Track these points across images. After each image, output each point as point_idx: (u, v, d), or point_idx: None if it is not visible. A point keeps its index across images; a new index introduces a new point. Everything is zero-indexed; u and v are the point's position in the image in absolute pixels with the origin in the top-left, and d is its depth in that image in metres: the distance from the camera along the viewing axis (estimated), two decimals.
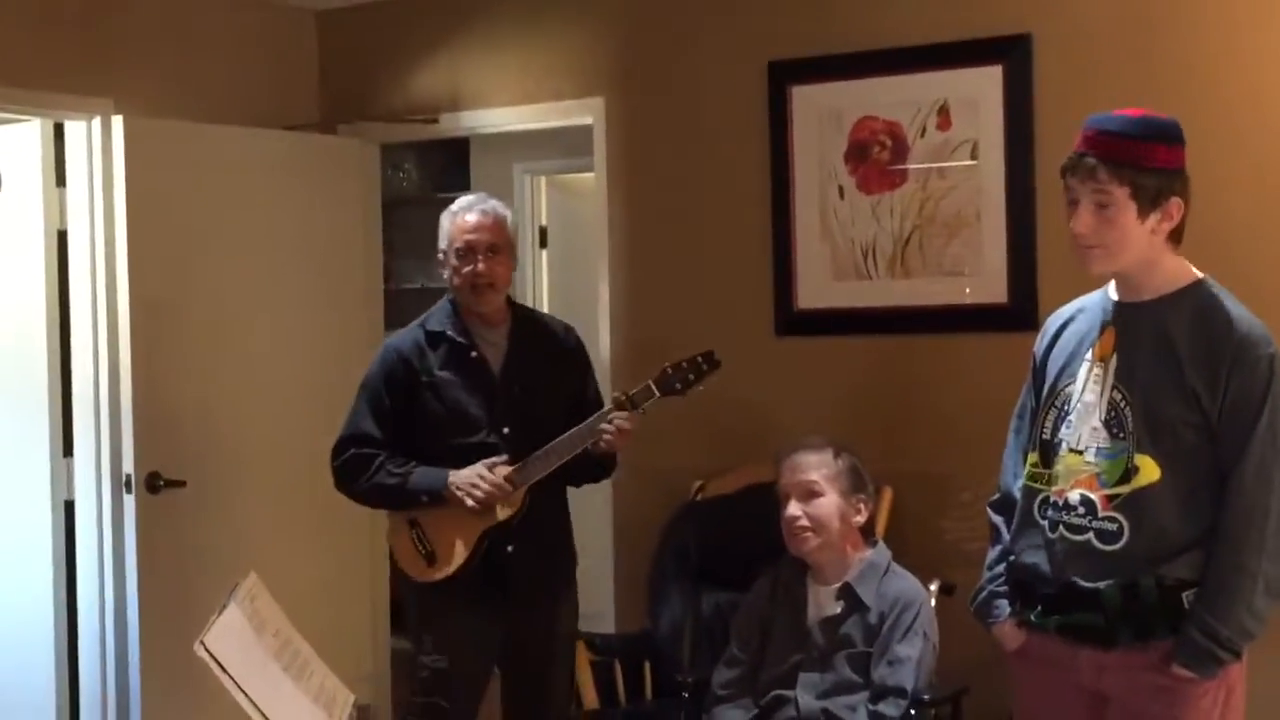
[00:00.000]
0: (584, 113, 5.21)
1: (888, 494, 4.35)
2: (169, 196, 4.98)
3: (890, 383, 4.65)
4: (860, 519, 3.80)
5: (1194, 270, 2.94)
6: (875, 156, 4.66)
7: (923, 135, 4.57)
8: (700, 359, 3.80)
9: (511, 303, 4.04)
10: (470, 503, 3.75)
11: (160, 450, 4.90)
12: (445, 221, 3.96)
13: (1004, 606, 3.07)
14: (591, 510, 5.58)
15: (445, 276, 3.96)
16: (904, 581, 3.77)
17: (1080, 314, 3.06)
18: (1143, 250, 2.89)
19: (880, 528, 4.21)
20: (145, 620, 4.88)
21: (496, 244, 3.89)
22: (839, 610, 3.74)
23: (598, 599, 5.31)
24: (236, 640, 2.32)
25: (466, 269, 3.87)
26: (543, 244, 6.96)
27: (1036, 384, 3.12)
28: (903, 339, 4.64)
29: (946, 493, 4.49)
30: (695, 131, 4.97)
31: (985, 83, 4.46)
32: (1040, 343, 3.14)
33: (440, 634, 3.93)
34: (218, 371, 5.06)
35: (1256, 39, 4.13)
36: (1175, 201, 2.88)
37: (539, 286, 6.94)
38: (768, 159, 4.81)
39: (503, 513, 3.81)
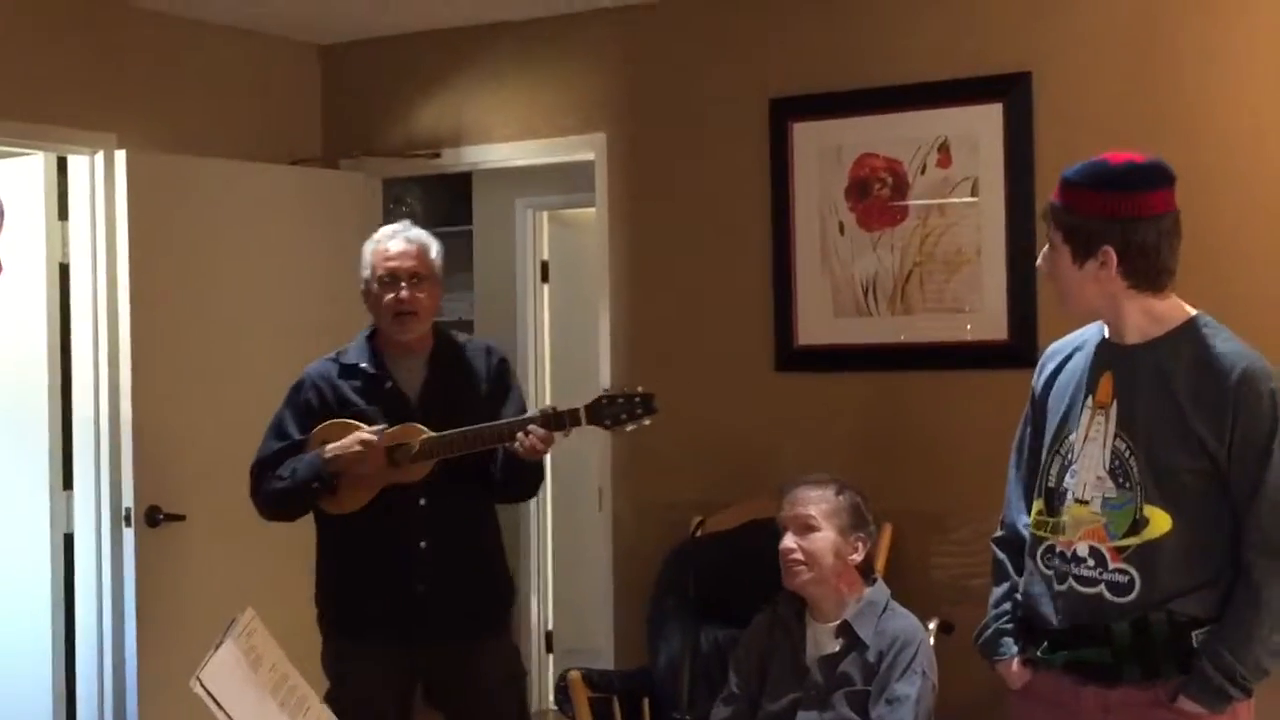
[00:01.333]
0: (586, 148, 5.23)
1: (887, 530, 4.35)
2: (171, 231, 5.00)
3: (891, 419, 4.65)
4: (857, 557, 3.79)
5: (1186, 308, 2.92)
6: (876, 193, 4.67)
7: (923, 172, 4.59)
8: (639, 400, 3.70)
9: (438, 331, 3.95)
10: (357, 447, 3.67)
11: (160, 484, 4.90)
12: (367, 250, 3.89)
13: (1010, 644, 3.04)
14: (591, 545, 5.58)
15: (368, 306, 3.90)
16: (903, 620, 3.76)
17: (1078, 351, 3.03)
18: (1093, 296, 2.89)
19: (880, 564, 4.20)
20: (143, 654, 4.86)
21: (419, 272, 3.82)
22: (837, 648, 3.73)
23: (596, 634, 5.30)
24: (233, 676, 2.31)
25: (389, 297, 3.80)
26: (544, 278, 6.97)
27: (1036, 421, 3.10)
28: (903, 375, 4.65)
29: (946, 529, 4.49)
30: (697, 167, 4.99)
31: (985, 121, 4.48)
32: (1038, 378, 3.12)
33: (341, 687, 3.79)
34: (219, 405, 5.06)
35: (1256, 76, 4.15)
36: (1105, 249, 2.84)
37: (540, 321, 6.94)
38: (768, 195, 4.83)
39: (410, 474, 3.72)
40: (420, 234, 3.91)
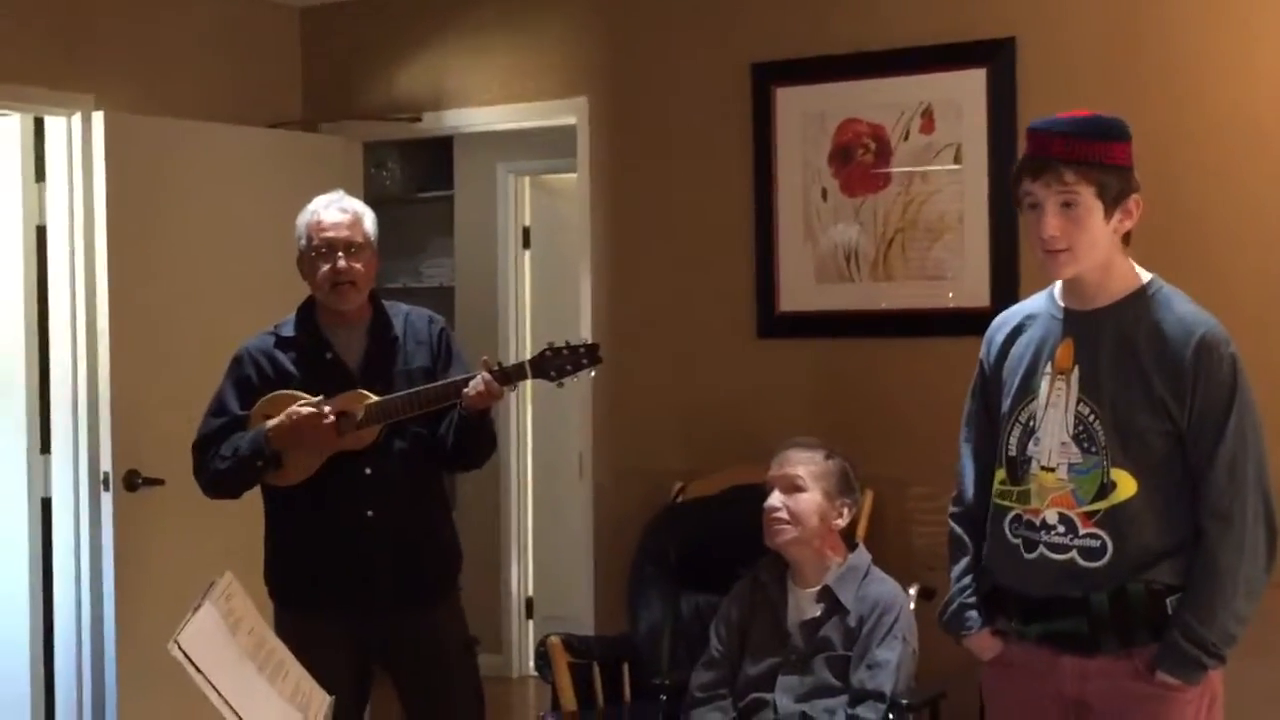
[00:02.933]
0: (568, 112, 5.20)
1: (868, 497, 4.35)
2: (149, 193, 4.96)
3: (872, 386, 4.65)
4: (841, 522, 3.80)
5: (1141, 271, 2.92)
6: (859, 159, 4.66)
7: (906, 138, 4.57)
8: (583, 350, 3.71)
9: (375, 300, 3.92)
10: (302, 421, 3.63)
11: (138, 448, 4.88)
12: (302, 221, 3.84)
13: (975, 617, 3.04)
14: (572, 511, 5.58)
15: (305, 278, 3.85)
16: (884, 585, 3.77)
17: (1030, 320, 3.02)
18: (1104, 252, 2.86)
19: (860, 531, 4.20)
20: (122, 618, 4.85)
21: (355, 241, 3.78)
22: (818, 613, 3.73)
23: (576, 600, 5.30)
24: (211, 640, 2.29)
25: (325, 267, 3.76)
26: (525, 244, 6.95)
27: (989, 394, 3.08)
28: (885, 342, 4.64)
29: (926, 497, 4.49)
30: (679, 132, 4.96)
31: (969, 86, 4.46)
32: (988, 350, 3.10)
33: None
34: (197, 369, 5.00)
35: (1238, 44, 4.14)
36: (1135, 199, 2.85)
37: (521, 286, 6.92)
38: (751, 160, 4.81)
39: (357, 441, 3.70)
40: (354, 203, 3.88)
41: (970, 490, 3.11)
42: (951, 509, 3.16)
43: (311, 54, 5.73)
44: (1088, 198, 2.81)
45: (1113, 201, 2.82)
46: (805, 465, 3.80)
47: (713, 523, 4.57)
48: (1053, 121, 2.87)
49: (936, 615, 3.16)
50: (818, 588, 3.76)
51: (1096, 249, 2.85)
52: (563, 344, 3.72)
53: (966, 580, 3.08)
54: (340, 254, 3.76)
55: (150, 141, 4.96)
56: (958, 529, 3.12)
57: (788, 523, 3.75)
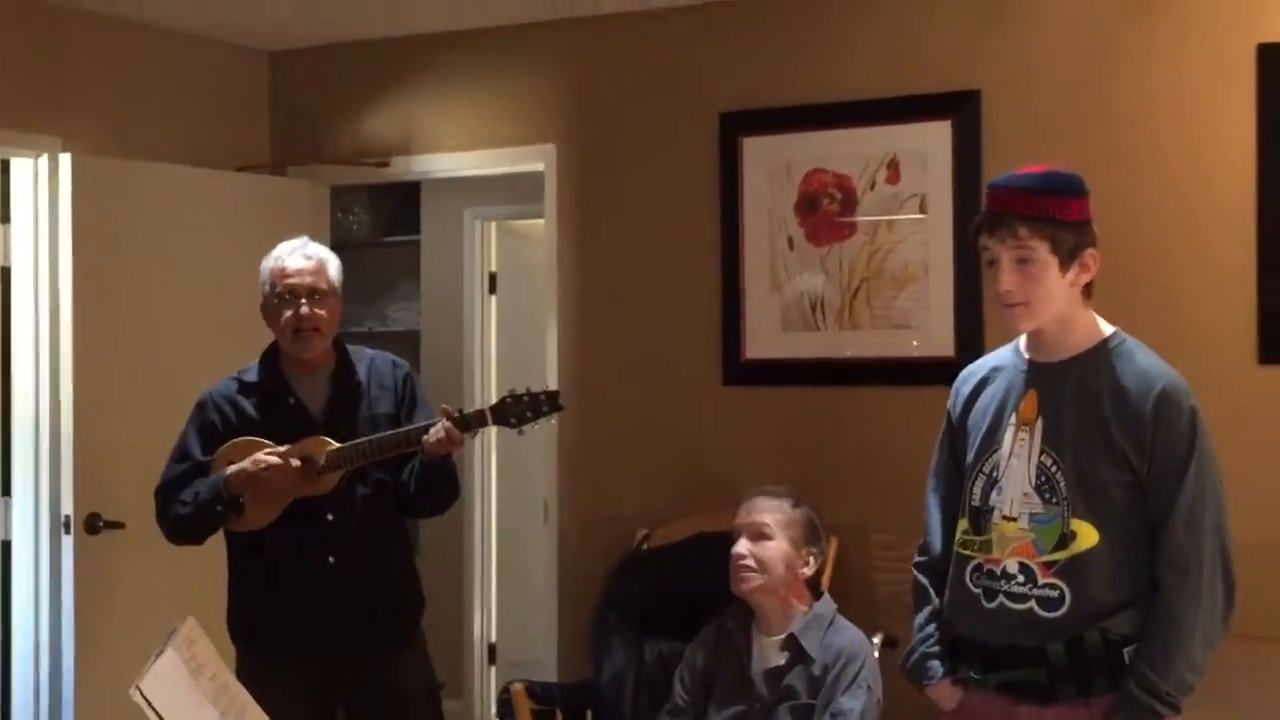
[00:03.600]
0: (535, 159, 5.21)
1: (833, 545, 4.36)
2: (116, 235, 4.95)
3: (837, 434, 4.67)
4: (807, 571, 3.80)
5: (1104, 324, 2.95)
6: (825, 208, 4.69)
7: (872, 188, 4.61)
8: (544, 397, 3.71)
9: (339, 346, 3.90)
10: (263, 468, 3.63)
11: (100, 491, 4.85)
12: (266, 267, 3.83)
13: (937, 667, 3.05)
14: (535, 557, 5.56)
15: (268, 323, 3.84)
16: (848, 634, 3.77)
17: (996, 373, 3.04)
18: (1062, 305, 2.89)
19: (825, 579, 4.21)
20: (81, 663, 4.81)
21: (319, 288, 3.77)
22: (783, 661, 3.73)
23: (540, 647, 5.28)
24: (173, 685, 2.28)
25: (288, 313, 3.75)
26: (492, 290, 6.95)
27: (956, 445, 3.11)
28: (850, 391, 4.66)
29: (889, 545, 4.50)
30: (647, 180, 4.99)
31: (934, 138, 4.50)
32: (955, 401, 3.13)
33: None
34: (160, 413, 4.97)
35: (1200, 98, 4.19)
36: (1091, 253, 2.88)
37: (487, 332, 6.91)
38: (718, 209, 4.84)
39: (319, 486, 3.69)
40: (319, 249, 3.87)
41: (936, 541, 3.12)
42: (917, 558, 3.18)
43: (280, 98, 5.74)
44: (1042, 253, 2.84)
45: (1068, 256, 2.85)
46: (772, 513, 3.81)
47: (677, 570, 4.57)
48: (1009, 178, 2.90)
49: (899, 664, 3.17)
50: (783, 636, 3.76)
51: (1053, 303, 2.88)
52: (523, 391, 3.72)
53: (930, 629, 3.09)
54: (303, 300, 3.75)
55: (117, 184, 4.95)
56: (922, 578, 3.14)
57: (754, 570, 3.76)
